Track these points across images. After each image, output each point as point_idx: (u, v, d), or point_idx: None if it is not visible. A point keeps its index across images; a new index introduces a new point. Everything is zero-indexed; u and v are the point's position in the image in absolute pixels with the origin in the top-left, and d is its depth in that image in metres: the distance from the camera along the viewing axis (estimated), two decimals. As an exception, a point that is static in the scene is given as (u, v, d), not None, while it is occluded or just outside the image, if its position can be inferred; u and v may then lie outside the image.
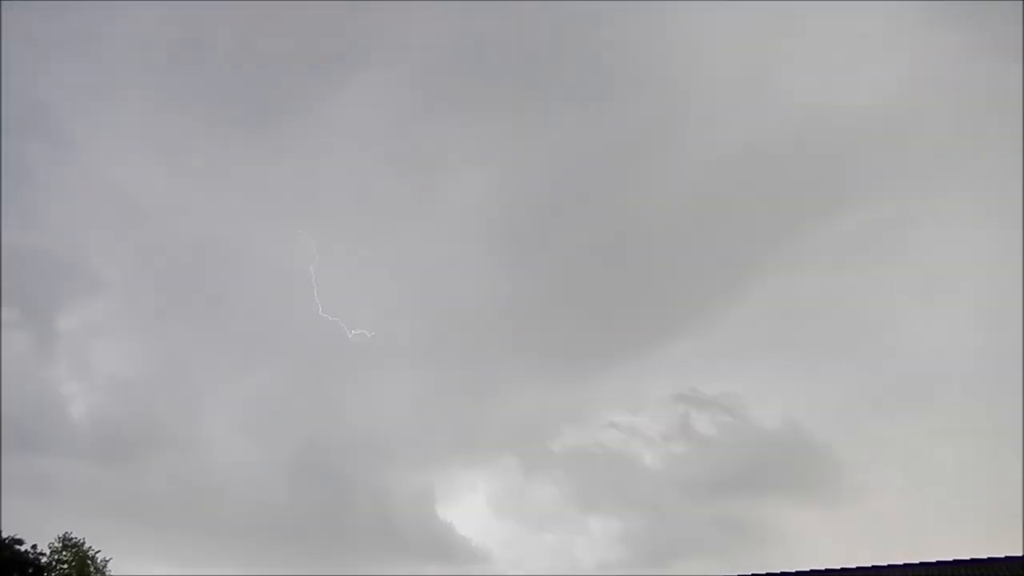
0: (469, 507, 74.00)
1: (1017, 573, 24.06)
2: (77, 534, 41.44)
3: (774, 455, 64.76)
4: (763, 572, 27.64)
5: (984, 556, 24.98)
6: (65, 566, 40.28)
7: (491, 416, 76.74)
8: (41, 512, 50.24)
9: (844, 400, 69.25)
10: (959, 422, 61.99)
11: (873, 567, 26.20)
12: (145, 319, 78.86)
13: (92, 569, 40.63)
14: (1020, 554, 24.64)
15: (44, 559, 40.02)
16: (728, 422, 69.05)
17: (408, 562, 65.93)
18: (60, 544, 40.75)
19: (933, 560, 25.41)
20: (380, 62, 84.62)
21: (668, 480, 68.24)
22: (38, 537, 40.38)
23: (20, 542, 39.68)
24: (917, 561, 25.60)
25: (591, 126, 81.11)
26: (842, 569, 26.58)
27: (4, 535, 39.37)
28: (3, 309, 64.83)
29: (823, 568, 26.89)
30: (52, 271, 73.97)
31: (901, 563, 25.84)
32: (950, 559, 25.28)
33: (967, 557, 25.14)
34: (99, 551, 41.33)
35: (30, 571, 39.15)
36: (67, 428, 66.75)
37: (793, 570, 27.37)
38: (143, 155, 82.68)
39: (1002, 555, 24.86)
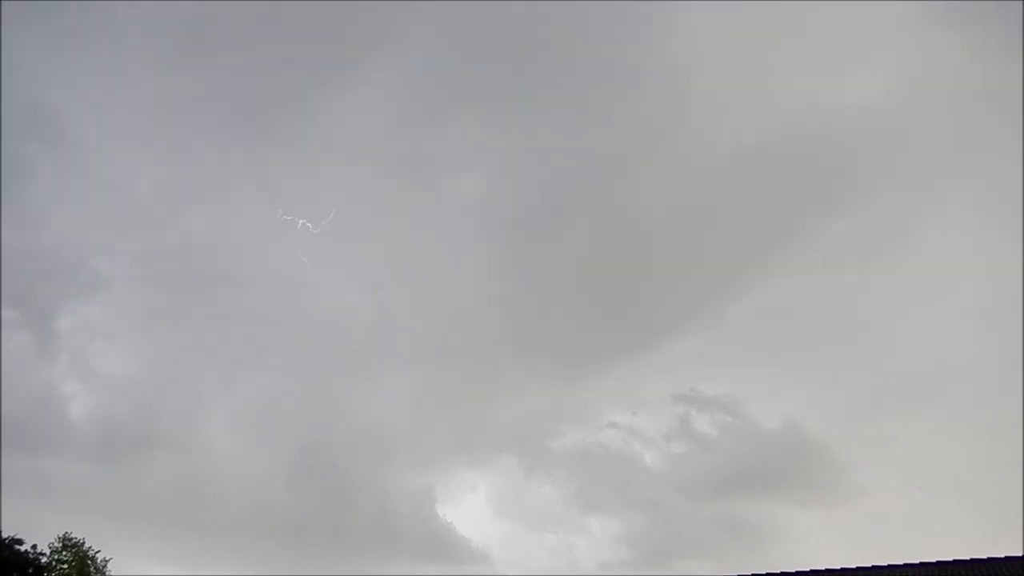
0: (469, 507, 74.13)
1: (1017, 573, 24.07)
2: (77, 534, 41.45)
3: (774, 455, 64.88)
4: (763, 572, 27.67)
5: (984, 556, 25.01)
6: (65, 566, 40.23)
7: (491, 416, 76.84)
8: (41, 512, 50.32)
9: (844, 400, 69.45)
10: (959, 422, 62.15)
11: (873, 567, 26.20)
12: (145, 319, 78.87)
13: (92, 569, 40.59)
14: (1020, 554, 24.65)
15: (44, 559, 39.96)
16: (728, 422, 69.18)
17: (408, 562, 66.07)
18: (60, 544, 40.70)
19: (933, 560, 25.44)
20: (380, 63, 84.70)
21: (668, 480, 68.40)
22: (38, 537, 40.40)
23: (20, 542, 39.64)
24: (917, 561, 25.62)
25: (591, 126, 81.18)
26: (842, 569, 26.58)
27: (4, 535, 39.34)
28: (3, 309, 64.87)
29: (823, 568, 26.90)
30: (52, 271, 74.04)
31: (901, 563, 25.85)
32: (950, 559, 25.30)
33: (967, 557, 25.17)
34: (99, 551, 41.34)
35: (30, 571, 39.10)
36: (67, 428, 66.87)
37: (793, 570, 27.40)
38: (143, 155, 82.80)
39: (1002, 555, 24.88)
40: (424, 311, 79.06)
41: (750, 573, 27.85)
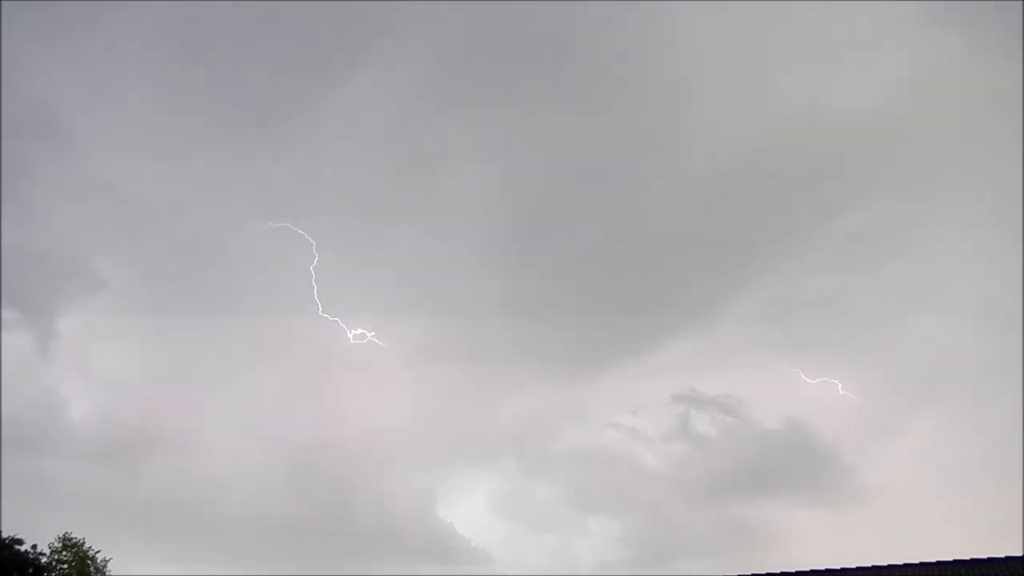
0: (469, 507, 74.05)
1: (1017, 573, 24.06)
2: (77, 534, 41.38)
3: (774, 455, 64.87)
4: (763, 572, 27.65)
5: (984, 556, 24.99)
6: (65, 566, 40.20)
7: (491, 416, 76.69)
8: (41, 512, 50.26)
9: (845, 400, 69.40)
10: (960, 422, 62.13)
11: (874, 567, 26.19)
12: (145, 319, 78.71)
13: (92, 569, 40.56)
14: (1020, 554, 24.65)
15: (44, 559, 39.90)
16: (728, 422, 69.16)
17: (408, 562, 65.94)
18: (60, 544, 40.65)
19: (933, 560, 25.42)
20: (380, 62, 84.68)
21: (668, 480, 68.40)
22: (38, 537, 40.30)
23: (20, 542, 39.58)
24: (917, 561, 25.61)
25: (591, 126, 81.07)
26: (843, 569, 26.57)
27: (4, 535, 39.32)
28: (3, 309, 64.87)
29: (824, 568, 26.88)
30: (52, 271, 73.95)
31: (901, 563, 25.84)
32: (950, 559, 25.29)
33: (967, 557, 25.16)
34: (99, 551, 41.31)
35: (30, 571, 39.06)
36: (67, 428, 66.87)
37: (793, 570, 27.37)
38: (143, 155, 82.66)
39: (1002, 555, 24.87)
40: (424, 311, 79.03)
41: (750, 573, 27.85)
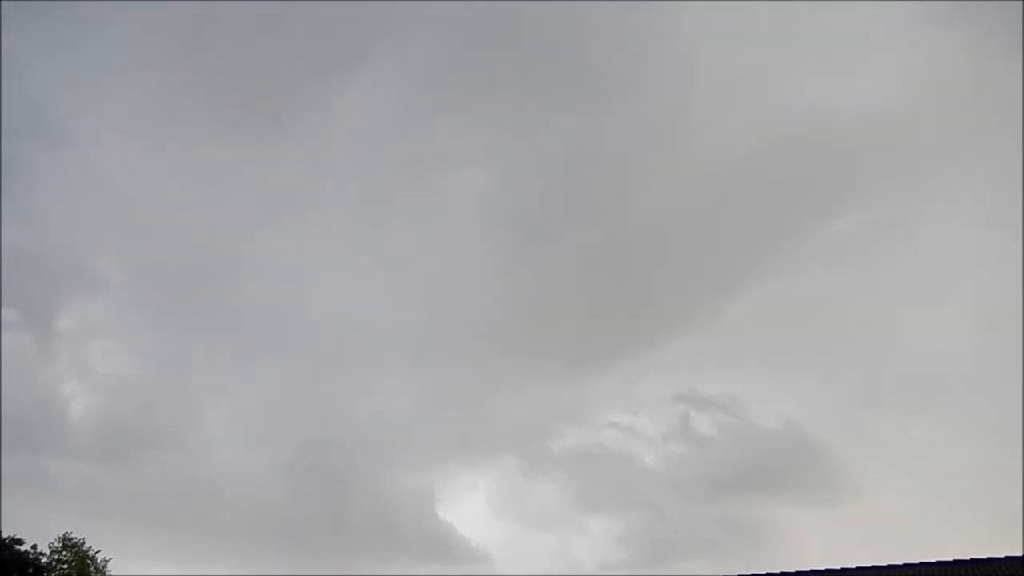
0: (469, 507, 74.15)
1: (1017, 573, 24.06)
2: (77, 534, 41.32)
3: (774, 455, 64.86)
4: (763, 572, 27.66)
5: (984, 556, 24.99)
6: (65, 566, 40.18)
7: (491, 416, 76.82)
8: (41, 512, 50.29)
9: (844, 400, 69.44)
10: (959, 422, 62.10)
11: (873, 567, 26.18)
12: (145, 319, 78.99)
13: (92, 569, 40.54)
14: (1020, 554, 24.65)
15: (44, 559, 39.87)
16: (728, 422, 69.18)
17: (408, 562, 65.97)
18: (60, 544, 40.62)
19: (933, 560, 25.41)
20: (380, 62, 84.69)
21: (668, 480, 68.40)
22: (38, 537, 40.24)
23: (20, 542, 39.56)
24: (917, 561, 25.60)
25: (591, 126, 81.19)
26: (842, 569, 26.56)
27: (4, 535, 39.29)
28: (3, 309, 64.92)
29: (823, 568, 26.88)
30: (52, 271, 74.17)
31: (901, 563, 25.84)
32: (950, 559, 25.28)
33: (967, 557, 25.17)
34: (99, 551, 41.26)
35: (30, 571, 39.04)
36: (67, 428, 66.97)
37: (793, 570, 27.38)
38: (143, 155, 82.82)
39: (1002, 555, 24.86)
40: (424, 311, 79.09)
41: (750, 573, 27.86)
